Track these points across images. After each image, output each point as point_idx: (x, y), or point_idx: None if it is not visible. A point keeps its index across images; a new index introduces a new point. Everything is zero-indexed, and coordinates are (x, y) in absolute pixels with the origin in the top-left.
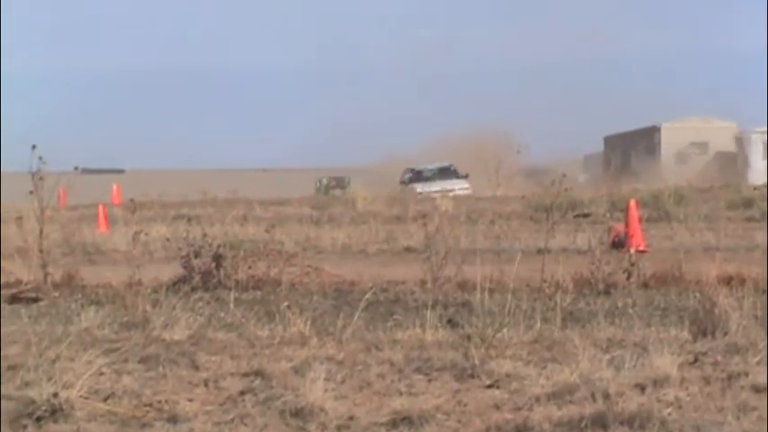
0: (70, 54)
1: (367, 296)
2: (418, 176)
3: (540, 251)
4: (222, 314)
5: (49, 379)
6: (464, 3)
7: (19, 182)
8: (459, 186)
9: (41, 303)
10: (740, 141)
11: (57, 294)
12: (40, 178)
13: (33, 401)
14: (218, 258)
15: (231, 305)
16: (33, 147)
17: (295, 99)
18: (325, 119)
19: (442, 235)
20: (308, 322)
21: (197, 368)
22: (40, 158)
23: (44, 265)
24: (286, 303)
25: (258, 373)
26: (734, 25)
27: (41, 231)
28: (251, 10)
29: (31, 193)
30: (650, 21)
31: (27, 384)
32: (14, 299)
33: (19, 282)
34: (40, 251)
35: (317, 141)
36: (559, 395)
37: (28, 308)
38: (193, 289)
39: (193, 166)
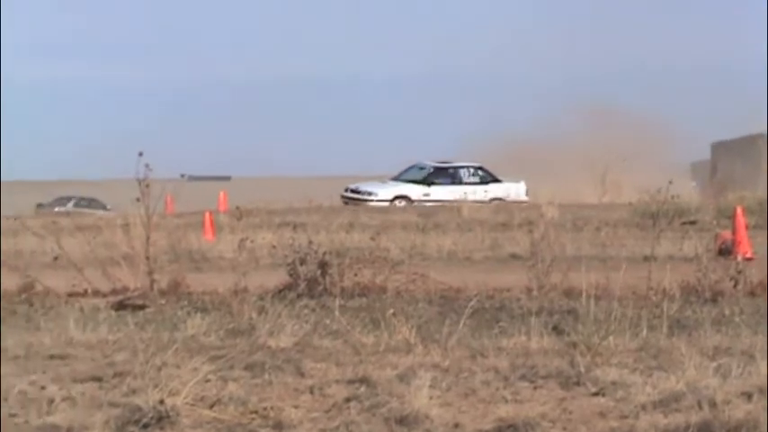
0: (175, 64)
1: (472, 303)
2: (439, 174)
3: (646, 258)
4: (327, 321)
5: (156, 386)
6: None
7: (126, 189)
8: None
9: (148, 310)
10: None
11: (163, 301)
12: (147, 185)
13: (140, 408)
14: (323, 266)
15: (336, 312)
16: (140, 154)
17: (406, 107)
18: (432, 127)
19: (547, 242)
20: (414, 329)
21: (302, 375)
22: (147, 166)
23: (150, 272)
24: (391, 311)
25: (363, 381)
26: None
27: (148, 238)
28: (352, 17)
29: (137, 200)
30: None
31: (134, 391)
32: (121, 306)
33: (125, 288)
34: (147, 258)
35: (428, 150)
36: (665, 403)
37: (134, 315)
38: (299, 296)
39: (300, 173)
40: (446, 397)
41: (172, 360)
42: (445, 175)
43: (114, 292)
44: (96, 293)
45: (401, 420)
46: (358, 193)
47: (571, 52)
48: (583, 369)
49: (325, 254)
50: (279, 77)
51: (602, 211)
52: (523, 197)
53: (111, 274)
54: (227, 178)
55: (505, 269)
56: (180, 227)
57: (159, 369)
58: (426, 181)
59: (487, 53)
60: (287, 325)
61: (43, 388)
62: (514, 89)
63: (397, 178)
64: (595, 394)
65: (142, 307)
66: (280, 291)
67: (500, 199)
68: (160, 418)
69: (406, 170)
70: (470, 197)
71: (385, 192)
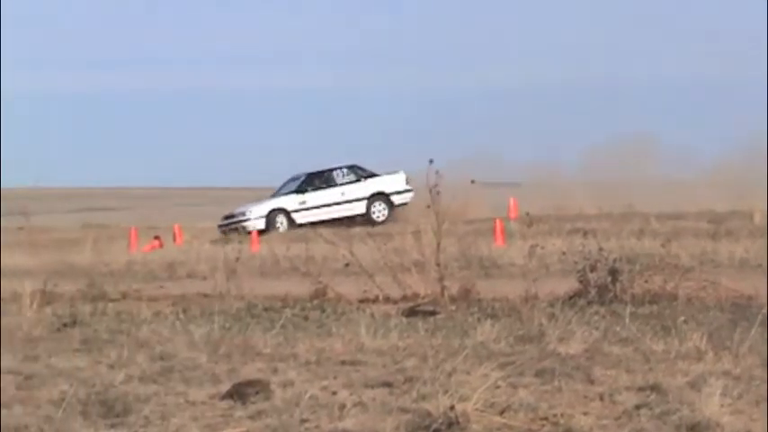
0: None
1: (764, 311)
2: (312, 181)
3: None
4: (617, 328)
5: (446, 392)
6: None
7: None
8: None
9: (438, 317)
10: None
11: (453, 308)
12: (438, 192)
13: (430, 414)
14: (613, 272)
15: (627, 319)
16: (431, 161)
17: None
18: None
19: None
20: (704, 337)
21: (592, 382)
22: (437, 172)
23: (441, 279)
24: (682, 318)
25: (654, 388)
26: None
27: (438, 245)
28: None
29: (428, 207)
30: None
31: (424, 397)
32: (411, 312)
33: (416, 295)
34: (437, 265)
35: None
36: None
37: (425, 321)
38: (589, 303)
39: (588, 178)
40: (737, 405)
41: (462, 366)
42: (319, 179)
43: (405, 298)
44: (387, 300)
45: (692, 428)
46: (232, 217)
47: None
48: None
49: (615, 260)
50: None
51: None
52: (405, 187)
53: (401, 280)
54: (518, 184)
55: None
56: (470, 233)
57: (449, 375)
58: (300, 189)
59: None
60: (576, 332)
61: (334, 393)
62: None
63: (274, 194)
64: None
65: (432, 313)
66: (570, 297)
67: (381, 192)
68: (450, 424)
69: (283, 184)
70: (348, 196)
71: (258, 209)
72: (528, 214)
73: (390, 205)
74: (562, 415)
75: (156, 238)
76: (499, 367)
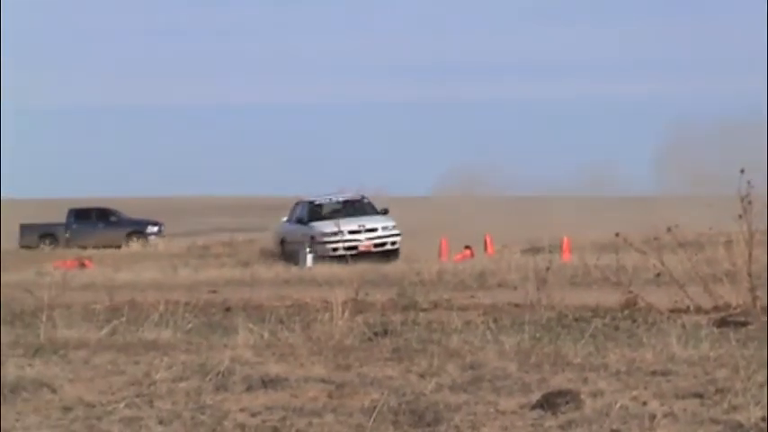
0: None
1: None
2: (314, 213)
3: None
4: None
5: (757, 403)
6: None
7: (727, 206)
8: (381, 226)
9: (750, 327)
10: None
11: (765, 318)
12: (749, 202)
13: (741, 425)
14: None
15: None
16: (741, 171)
17: None
18: None
19: None
20: None
21: None
22: (748, 183)
23: (752, 289)
24: None
25: None
26: None
27: (750, 255)
28: None
29: (740, 216)
30: None
31: (735, 408)
32: (723, 322)
33: (727, 305)
34: (749, 275)
35: None
36: None
37: (736, 331)
38: None
39: None
40: None
41: None
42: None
43: (716, 308)
44: (698, 310)
45: None
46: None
47: None
48: None
49: None
50: None
51: None
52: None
53: (712, 290)
54: None
55: None
56: None
57: (761, 386)
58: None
59: None
60: None
61: (645, 403)
62: None
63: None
64: None
65: (744, 324)
66: None
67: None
68: None
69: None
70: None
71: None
72: None
73: None
74: None
75: (467, 247)
76: None
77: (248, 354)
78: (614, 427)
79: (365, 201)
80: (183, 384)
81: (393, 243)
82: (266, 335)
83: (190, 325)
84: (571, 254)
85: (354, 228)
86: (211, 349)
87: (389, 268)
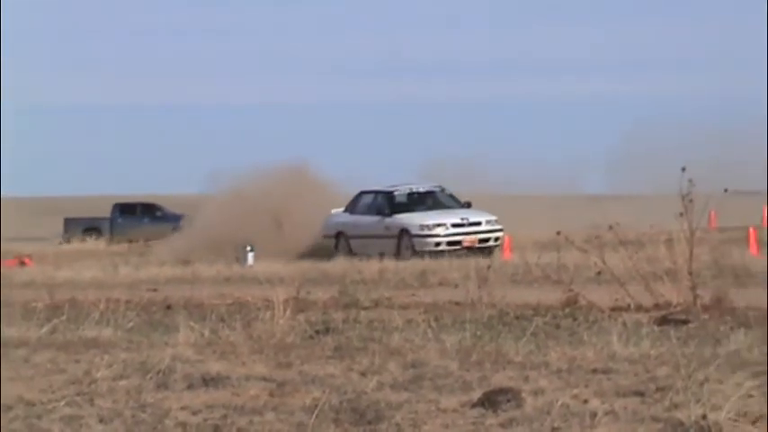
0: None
1: None
2: (397, 205)
3: None
4: None
5: (698, 401)
6: None
7: (669, 203)
8: (485, 219)
9: (690, 325)
10: None
11: (706, 316)
12: (690, 201)
13: (682, 423)
14: None
15: None
16: (683, 169)
17: None
18: None
19: None
20: None
21: None
22: (690, 181)
23: (693, 288)
24: None
25: None
26: None
27: (691, 253)
28: None
29: (680, 215)
30: None
31: (675, 406)
32: (663, 321)
33: (668, 304)
34: (690, 273)
35: None
36: None
37: (677, 329)
38: None
39: None
40: None
41: (714, 375)
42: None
43: (657, 306)
44: (639, 308)
45: None
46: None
47: None
48: None
49: None
50: None
51: None
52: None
53: (653, 288)
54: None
55: None
56: (723, 242)
57: (701, 384)
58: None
59: None
60: None
61: (586, 402)
62: None
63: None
64: None
65: (685, 322)
66: None
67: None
68: None
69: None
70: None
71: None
72: None
73: None
74: None
75: None
76: (752, 376)
77: (189, 352)
78: (555, 425)
79: (446, 192)
80: (123, 383)
81: (496, 239)
82: (207, 333)
83: (131, 323)
84: (512, 252)
85: (457, 221)
86: (152, 347)
87: (330, 266)
